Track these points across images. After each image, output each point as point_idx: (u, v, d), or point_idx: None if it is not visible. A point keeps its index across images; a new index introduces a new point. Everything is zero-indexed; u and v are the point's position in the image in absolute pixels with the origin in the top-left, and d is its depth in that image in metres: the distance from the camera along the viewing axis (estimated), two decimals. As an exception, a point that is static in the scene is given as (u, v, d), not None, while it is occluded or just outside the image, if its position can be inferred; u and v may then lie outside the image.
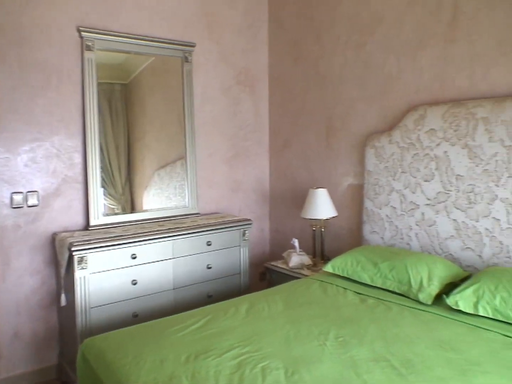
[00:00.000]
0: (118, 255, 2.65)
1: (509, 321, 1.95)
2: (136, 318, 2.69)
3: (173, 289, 2.89)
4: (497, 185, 2.42)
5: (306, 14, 3.54)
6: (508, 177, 2.38)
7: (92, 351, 1.92)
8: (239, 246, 3.23)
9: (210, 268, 3.06)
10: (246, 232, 3.25)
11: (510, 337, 1.86)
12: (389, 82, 3.01)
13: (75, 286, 2.52)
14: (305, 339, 1.86)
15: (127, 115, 3.15)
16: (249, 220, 3.30)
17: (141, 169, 3.24)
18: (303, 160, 3.66)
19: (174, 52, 3.30)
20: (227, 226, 3.14)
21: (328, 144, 3.45)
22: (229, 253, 3.17)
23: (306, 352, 1.75)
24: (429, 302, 2.19)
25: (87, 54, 2.91)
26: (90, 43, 2.91)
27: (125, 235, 2.71)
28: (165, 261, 2.85)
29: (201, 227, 3.01)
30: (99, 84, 2.97)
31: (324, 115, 3.46)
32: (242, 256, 3.24)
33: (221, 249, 3.12)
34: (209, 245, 3.05)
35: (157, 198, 3.30)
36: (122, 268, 2.68)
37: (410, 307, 2.19)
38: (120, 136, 3.12)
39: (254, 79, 3.83)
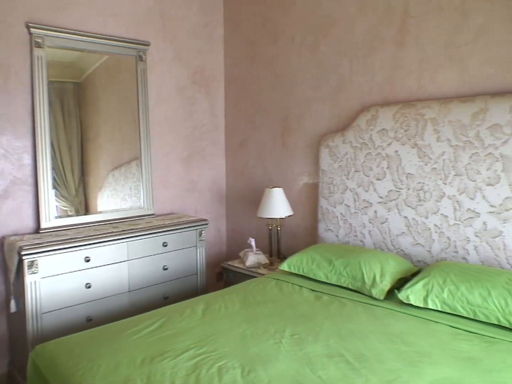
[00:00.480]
0: (70, 258, 2.58)
1: (456, 313, 2.04)
2: (90, 323, 2.62)
3: (128, 291, 2.84)
4: (444, 183, 2.53)
5: (261, 14, 3.57)
6: (455, 175, 2.49)
7: (43, 358, 1.85)
8: (196, 246, 3.21)
9: (166, 269, 3.02)
10: (203, 232, 3.24)
11: (457, 328, 1.95)
12: (342, 83, 3.08)
13: (26, 291, 2.43)
14: (261, 337, 1.87)
15: (80, 115, 3.07)
16: (205, 220, 3.28)
17: (95, 169, 3.16)
18: (259, 159, 3.68)
19: (128, 51, 3.24)
20: (183, 226, 3.11)
21: (284, 144, 3.48)
22: (185, 253, 3.14)
23: (263, 351, 1.76)
24: (382, 297, 2.26)
25: (37, 52, 2.80)
26: (40, 40, 2.81)
27: (78, 238, 2.63)
28: (120, 263, 2.79)
29: (156, 228, 2.97)
30: (50, 82, 2.87)
31: (280, 115, 3.49)
32: (198, 256, 3.22)
33: (177, 250, 3.09)
34: (165, 246, 3.01)
35: (112, 199, 3.23)
36: (75, 271, 2.60)
37: (363, 302, 2.25)
38: (72, 136, 3.03)
39: (210, 79, 3.82)
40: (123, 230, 2.84)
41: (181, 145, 3.66)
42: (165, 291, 3.02)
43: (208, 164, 3.85)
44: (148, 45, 3.32)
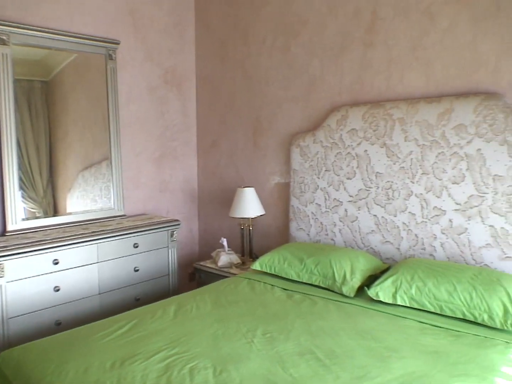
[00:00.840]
0: (38, 261, 2.52)
1: (424, 309, 2.09)
2: (59, 327, 2.57)
3: (99, 294, 2.79)
4: (412, 182, 2.59)
5: (232, 15, 3.56)
6: (422, 174, 2.55)
7: (10, 364, 1.81)
8: (167, 247, 3.18)
9: (137, 270, 2.99)
10: (174, 232, 3.21)
11: (424, 323, 2.00)
12: (313, 83, 3.11)
13: (-10, 296, 2.36)
14: (233, 337, 1.88)
15: (49, 114, 3.00)
16: (177, 220, 3.26)
17: (64, 170, 3.10)
18: (231, 159, 3.68)
19: (97, 49, 3.19)
20: (154, 227, 3.09)
21: (256, 144, 3.49)
22: (157, 254, 3.12)
23: (234, 350, 1.76)
24: (352, 295, 2.29)
25: (2, 49, 2.73)
26: (5, 37, 2.73)
27: (45, 240, 2.58)
28: (90, 265, 2.75)
29: (127, 229, 2.93)
30: (16, 81, 2.80)
31: (252, 115, 3.50)
32: (170, 257, 3.20)
33: (148, 251, 3.06)
34: (136, 247, 2.98)
35: (82, 200, 3.17)
36: (43, 274, 2.55)
37: (334, 300, 2.28)
38: (40, 136, 2.96)
39: (182, 79, 3.80)
40: (93, 232, 2.80)
41: (153, 145, 3.62)
42: (136, 292, 2.99)
43: (180, 164, 3.83)
44: (118, 43, 3.27)
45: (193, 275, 3.45)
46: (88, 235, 2.74)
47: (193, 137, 3.93)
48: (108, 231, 2.85)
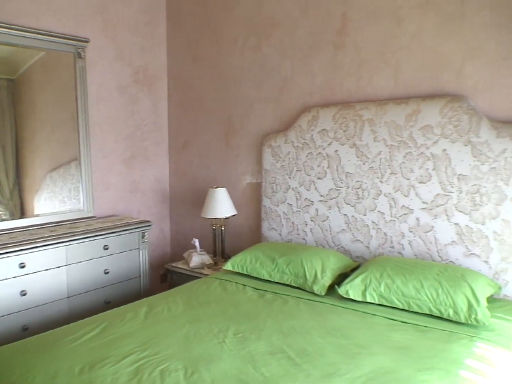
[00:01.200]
0: (3, 265, 2.44)
1: (392, 305, 2.14)
2: (26, 332, 2.50)
3: (67, 297, 2.74)
4: (381, 181, 2.64)
5: (204, 14, 3.55)
6: (391, 173, 2.60)
7: (-27, 371, 1.75)
8: (138, 248, 3.15)
9: (107, 273, 2.94)
10: (146, 234, 3.18)
11: (393, 319, 2.04)
12: (284, 84, 3.13)
13: (-47, 301, 2.29)
14: (204, 338, 1.87)
15: (15, 113, 2.92)
16: (148, 221, 3.23)
17: (32, 171, 3.03)
18: (203, 159, 3.67)
19: (66, 47, 3.12)
20: (125, 228, 3.04)
21: (228, 144, 3.49)
22: (127, 256, 3.08)
23: (206, 351, 1.76)
24: (323, 293, 2.32)
25: (-34, 46, 2.65)
26: (-32, 34, 2.65)
27: (11, 243, 2.51)
28: (58, 268, 2.69)
29: (97, 231, 2.88)
30: (-21, 78, 2.73)
31: (224, 115, 3.50)
32: (141, 258, 3.16)
33: (119, 253, 3.02)
34: (106, 249, 2.93)
35: (50, 202, 3.10)
36: (9, 278, 2.47)
37: (305, 299, 2.31)
38: (6, 136, 2.88)
39: (153, 78, 3.76)
40: (61, 234, 2.74)
41: (123, 145, 3.58)
42: (106, 295, 2.94)
43: (151, 165, 3.79)
44: (87, 41, 3.22)
45: (164, 276, 3.42)
46: (56, 237, 2.68)
47: (165, 137, 3.90)
48: (77, 233, 2.79)
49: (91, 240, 2.84)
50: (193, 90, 3.69)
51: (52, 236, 2.69)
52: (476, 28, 2.38)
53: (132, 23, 3.55)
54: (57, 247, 2.67)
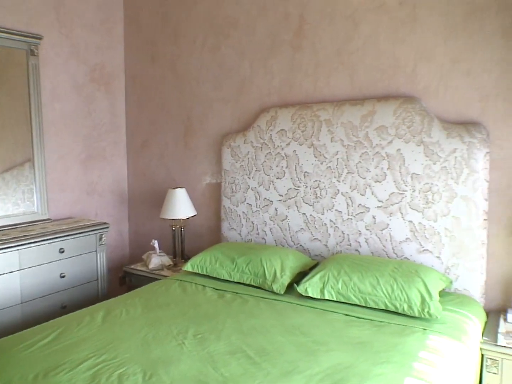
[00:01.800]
0: (-50, 271, 2.34)
1: (350, 302, 2.19)
2: (-24, 340, 2.40)
3: (21, 303, 2.64)
4: (338, 181, 2.69)
5: (162, 13, 3.51)
6: (348, 173, 2.66)
7: None
8: (96, 251, 3.07)
9: (63, 276, 2.86)
10: (103, 236, 3.11)
11: (351, 316, 2.09)
12: (243, 84, 3.14)
13: None
14: (163, 340, 1.85)
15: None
16: (106, 223, 3.16)
17: (-18, 173, 2.91)
18: (162, 160, 3.62)
19: (18, 44, 3.00)
20: (81, 231, 2.97)
21: (187, 144, 3.47)
22: (84, 259, 3.00)
23: (165, 353, 1.74)
24: (282, 292, 2.35)
25: None
26: None
27: (-41, 248, 2.40)
28: (11, 273, 2.59)
29: (52, 234, 2.80)
30: None
31: (183, 115, 3.47)
32: (99, 261, 3.09)
33: (75, 256, 2.94)
34: (62, 252, 2.85)
35: (2, 205, 2.98)
36: (-43, 285, 2.37)
37: (265, 298, 2.33)
38: (-47, 136, 2.76)
39: (110, 77, 3.68)
40: (14, 238, 2.64)
41: (80, 146, 3.48)
42: (62, 300, 2.86)
43: (109, 165, 3.71)
44: (40, 38, 3.11)
45: (123, 279, 3.36)
46: (8, 241, 2.58)
47: (123, 137, 3.83)
48: (31, 237, 2.70)
49: (45, 244, 2.76)
50: (151, 90, 3.64)
51: (4, 240, 2.59)
52: (428, 33, 2.47)
53: (88, 20, 3.47)
54: (10, 251, 2.58)
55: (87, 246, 3.02)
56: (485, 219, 2.31)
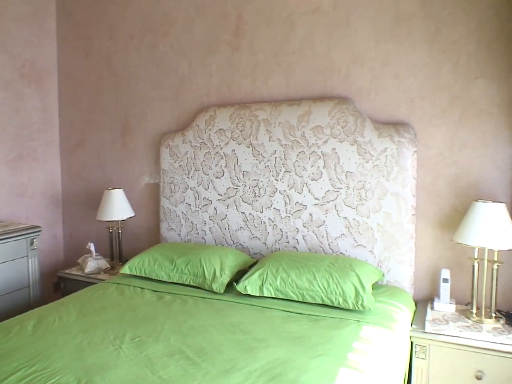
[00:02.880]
0: None
1: (288, 298, 2.23)
2: None
3: None
4: (276, 179, 2.73)
5: (97, 8, 3.40)
6: (285, 172, 2.71)
7: None
8: (27, 256, 2.92)
9: (-9, 284, 2.71)
10: (35, 240, 2.96)
11: (289, 311, 2.13)
12: (182, 83, 3.11)
13: None
14: (99, 346, 1.80)
15: None
16: (38, 227, 3.01)
17: None
18: (98, 160, 3.51)
19: None
20: (10, 235, 2.80)
21: (124, 144, 3.38)
22: (14, 265, 2.84)
23: (101, 359, 1.69)
24: (222, 291, 2.36)
25: None
26: None
27: None
28: None
29: (-23, 239, 2.64)
30: None
31: (120, 113, 3.38)
32: (30, 267, 2.94)
33: (4, 262, 2.77)
34: (-11, 258, 2.69)
35: None
36: None
37: (205, 298, 2.32)
38: None
39: (41, 73, 3.51)
40: None
41: (7, 146, 3.29)
42: (-10, 309, 2.70)
43: (40, 166, 3.54)
44: (-40, 31, 2.92)
45: (57, 284, 3.22)
46: None
47: (56, 136, 3.67)
48: (-47, 243, 2.53)
49: (-30, 250, 2.59)
50: (86, 87, 3.52)
51: None
52: (360, 37, 2.57)
53: (15, 13, 3.28)
54: None
55: (17, 251, 2.86)
56: (413, 214, 2.44)
